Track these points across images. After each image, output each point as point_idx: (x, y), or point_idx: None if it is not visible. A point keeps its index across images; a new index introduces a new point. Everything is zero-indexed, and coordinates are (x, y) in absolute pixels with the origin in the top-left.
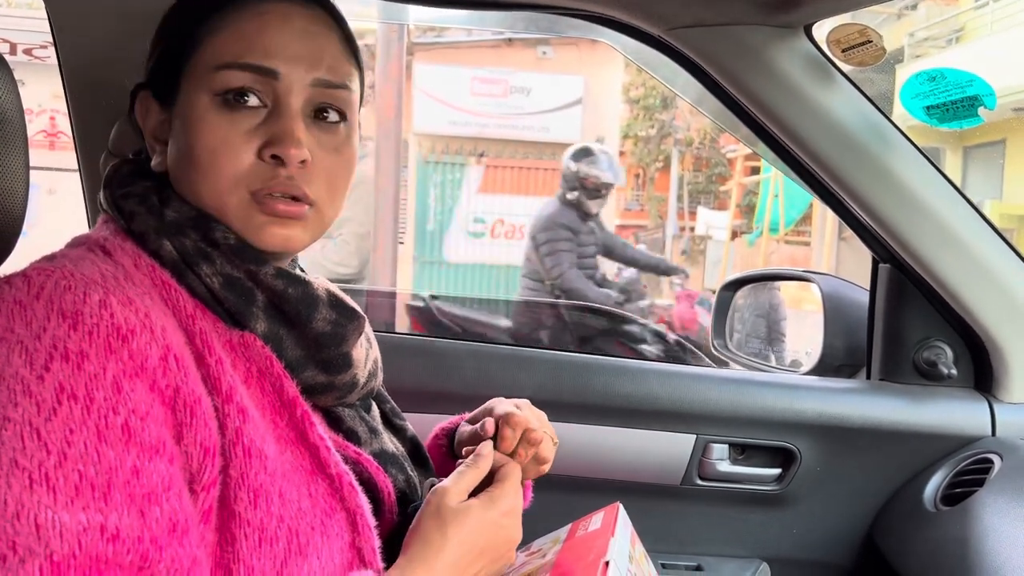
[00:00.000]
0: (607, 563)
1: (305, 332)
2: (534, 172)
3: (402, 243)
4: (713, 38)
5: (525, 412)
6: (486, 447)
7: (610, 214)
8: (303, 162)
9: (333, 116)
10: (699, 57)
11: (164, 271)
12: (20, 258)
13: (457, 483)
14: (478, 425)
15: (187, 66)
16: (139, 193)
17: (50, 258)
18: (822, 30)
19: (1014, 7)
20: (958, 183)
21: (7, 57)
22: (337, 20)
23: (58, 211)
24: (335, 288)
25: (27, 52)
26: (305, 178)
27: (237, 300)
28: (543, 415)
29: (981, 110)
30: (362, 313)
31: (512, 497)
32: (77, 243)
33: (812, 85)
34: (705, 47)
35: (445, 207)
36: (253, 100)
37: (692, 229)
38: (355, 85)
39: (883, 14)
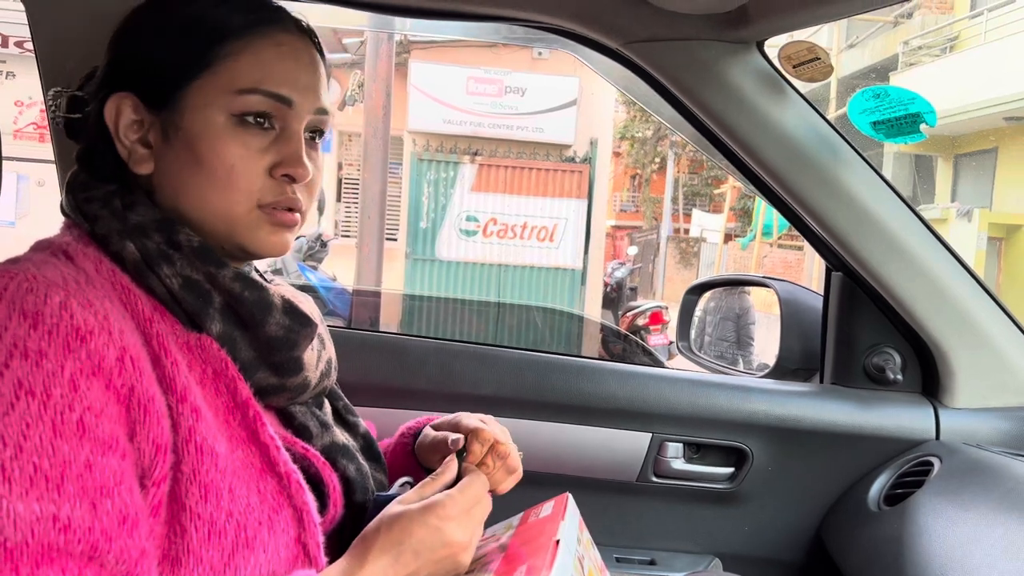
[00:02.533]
0: (557, 542)
1: (258, 335)
2: (528, 172)
3: (394, 240)
4: (669, 52)
5: (492, 427)
6: (451, 460)
7: (605, 215)
8: (307, 180)
9: (318, 137)
10: (655, 70)
11: (124, 275)
12: (12, 246)
13: (414, 492)
14: (444, 435)
15: (195, 82)
16: (101, 197)
17: (14, 261)
18: (774, 46)
19: (1007, 18)
20: (949, 191)
21: None
22: (321, 52)
23: (47, 202)
24: (292, 294)
25: (18, 45)
26: (303, 193)
27: (195, 301)
28: (506, 430)
29: (977, 123)
30: (315, 321)
31: (457, 504)
32: (41, 247)
33: (764, 99)
34: (661, 60)
35: (438, 205)
36: (267, 124)
37: (687, 231)
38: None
39: (879, 22)
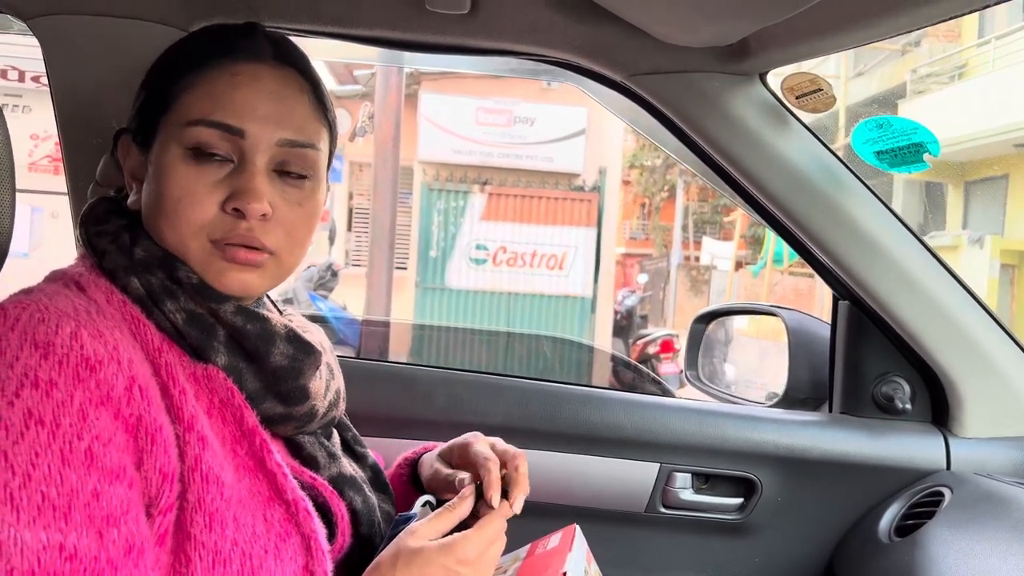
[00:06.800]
0: (565, 573)
1: (263, 366)
2: (537, 201)
3: (404, 269)
4: (672, 84)
5: (503, 454)
6: (469, 491)
7: (615, 243)
8: (264, 216)
9: (298, 173)
10: (659, 102)
11: (134, 307)
12: (23, 277)
13: (429, 524)
14: (452, 474)
15: (163, 118)
16: (112, 232)
17: (27, 292)
18: (778, 76)
19: (1015, 45)
20: (960, 219)
21: (16, 84)
22: (309, 80)
23: (60, 234)
24: (297, 323)
25: (35, 79)
26: (264, 230)
27: (199, 335)
28: (520, 453)
29: (987, 150)
30: (319, 349)
31: (475, 546)
32: (54, 278)
33: (768, 130)
34: (665, 92)
35: (448, 234)
36: (220, 155)
37: (697, 259)
38: (323, 144)
39: (886, 51)
